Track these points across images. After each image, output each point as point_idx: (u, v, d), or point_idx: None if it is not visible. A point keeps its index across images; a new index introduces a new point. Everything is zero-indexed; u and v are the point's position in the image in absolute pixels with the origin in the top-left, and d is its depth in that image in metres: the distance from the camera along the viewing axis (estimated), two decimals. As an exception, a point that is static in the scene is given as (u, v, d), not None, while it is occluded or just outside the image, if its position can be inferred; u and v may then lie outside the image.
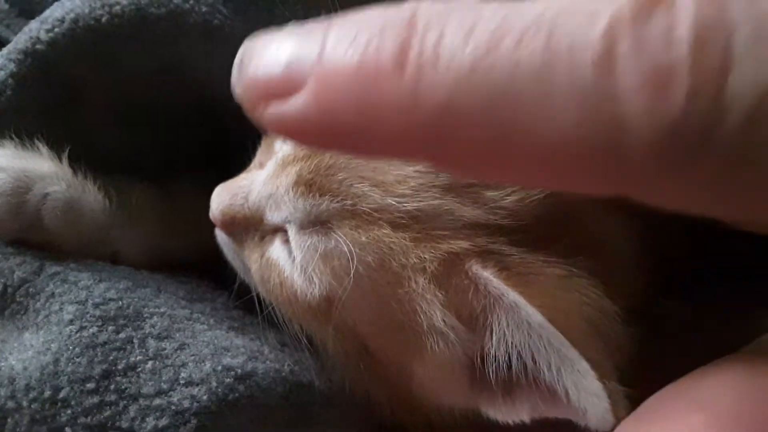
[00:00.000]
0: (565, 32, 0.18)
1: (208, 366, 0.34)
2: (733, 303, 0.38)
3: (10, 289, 0.35)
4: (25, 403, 0.31)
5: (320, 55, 0.21)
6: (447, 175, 0.34)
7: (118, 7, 0.40)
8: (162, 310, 0.36)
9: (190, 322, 0.37)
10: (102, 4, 0.40)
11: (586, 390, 0.28)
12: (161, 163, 0.45)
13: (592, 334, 0.30)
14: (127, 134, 0.43)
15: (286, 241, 0.37)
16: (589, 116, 0.18)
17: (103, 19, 0.39)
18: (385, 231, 0.33)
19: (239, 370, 0.35)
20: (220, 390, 0.33)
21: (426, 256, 0.33)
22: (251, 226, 0.39)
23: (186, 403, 0.32)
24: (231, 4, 0.42)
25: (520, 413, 0.32)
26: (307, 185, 0.35)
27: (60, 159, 0.39)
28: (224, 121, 0.45)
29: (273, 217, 0.37)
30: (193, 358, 0.34)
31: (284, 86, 0.21)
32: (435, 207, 0.33)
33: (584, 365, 0.28)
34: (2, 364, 0.33)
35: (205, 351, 0.35)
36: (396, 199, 0.33)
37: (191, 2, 0.41)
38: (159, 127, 0.44)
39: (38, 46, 0.39)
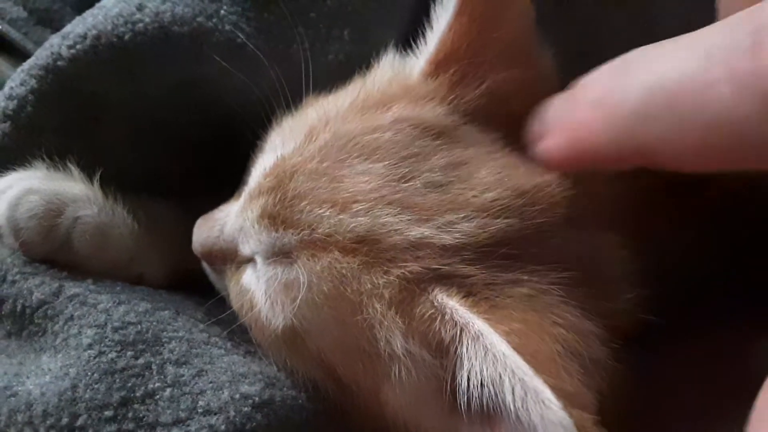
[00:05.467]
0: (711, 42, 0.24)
1: (226, 394, 0.34)
2: (730, 327, 0.37)
3: (28, 311, 0.35)
4: (42, 430, 0.31)
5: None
6: (405, 190, 0.33)
7: (141, 25, 0.39)
8: (180, 334, 0.36)
9: (208, 347, 0.36)
10: (125, 21, 0.39)
11: (551, 421, 0.26)
12: (180, 181, 0.44)
13: (565, 357, 0.29)
14: (147, 151, 0.43)
15: (257, 271, 0.37)
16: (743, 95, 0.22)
17: (126, 37, 0.39)
18: (335, 256, 0.32)
19: (257, 398, 0.34)
20: (237, 419, 0.33)
21: (379, 282, 0.32)
22: (228, 258, 0.39)
23: (204, 433, 0.32)
24: (254, 23, 0.42)
25: None
26: (271, 218, 0.35)
27: (91, 180, 0.39)
28: (243, 139, 0.44)
29: (244, 249, 0.37)
30: (211, 385, 0.34)
31: None
32: (382, 226, 0.32)
33: (548, 394, 0.27)
34: (20, 388, 0.32)
35: (223, 378, 0.34)
36: (347, 218, 0.32)
37: (214, 21, 0.41)
38: (179, 145, 0.44)
39: (60, 63, 0.39)
